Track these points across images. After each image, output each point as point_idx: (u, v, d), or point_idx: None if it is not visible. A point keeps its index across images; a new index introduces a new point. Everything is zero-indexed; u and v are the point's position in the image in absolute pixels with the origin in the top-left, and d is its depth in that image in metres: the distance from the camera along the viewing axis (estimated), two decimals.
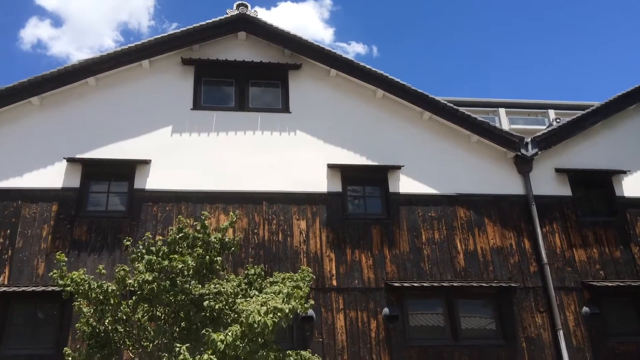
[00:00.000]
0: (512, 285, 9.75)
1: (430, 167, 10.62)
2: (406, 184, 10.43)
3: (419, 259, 9.92)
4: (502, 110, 20.83)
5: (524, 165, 10.80)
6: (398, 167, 10.47)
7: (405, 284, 9.46)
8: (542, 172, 10.95)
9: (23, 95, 9.78)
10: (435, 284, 9.55)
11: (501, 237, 10.34)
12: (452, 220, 10.32)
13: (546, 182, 10.89)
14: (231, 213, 7.80)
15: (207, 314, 6.35)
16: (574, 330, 9.74)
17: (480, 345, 9.42)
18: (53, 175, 9.54)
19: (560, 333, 9.57)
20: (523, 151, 10.71)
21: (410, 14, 49.21)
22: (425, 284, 9.51)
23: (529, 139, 10.83)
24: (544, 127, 17.06)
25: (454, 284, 9.62)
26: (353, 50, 49.53)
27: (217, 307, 6.32)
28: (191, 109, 10.54)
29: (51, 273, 6.42)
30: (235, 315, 6.36)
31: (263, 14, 11.18)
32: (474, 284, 9.68)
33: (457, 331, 9.42)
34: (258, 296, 6.82)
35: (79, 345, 7.55)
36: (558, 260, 10.27)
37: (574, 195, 10.92)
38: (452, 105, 10.92)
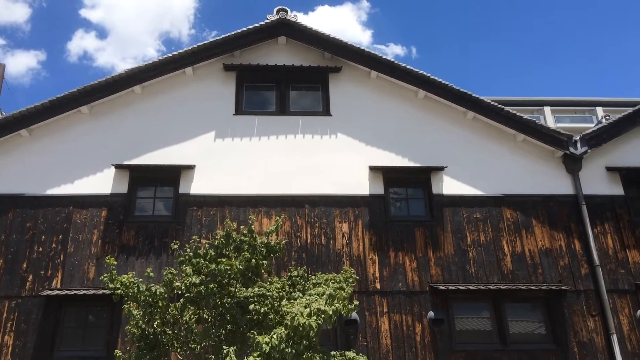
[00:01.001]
0: (563, 288, 9.45)
1: (474, 167, 10.41)
2: (450, 185, 10.26)
3: (464, 261, 9.73)
4: (547, 109, 20.35)
5: (573, 164, 10.46)
6: (441, 168, 10.31)
7: (451, 287, 9.30)
8: (592, 171, 10.58)
9: (73, 104, 10.13)
10: (481, 287, 9.35)
11: (550, 239, 10.03)
12: (498, 222, 10.08)
13: (597, 181, 10.52)
14: (277, 217, 7.84)
15: (253, 317, 6.39)
16: (629, 334, 9.35)
17: (529, 350, 9.16)
18: (102, 182, 9.83)
19: (614, 337, 9.21)
20: (572, 149, 10.38)
21: (448, 13, 48.60)
22: (471, 287, 9.32)
23: (578, 137, 10.49)
24: (592, 124, 16.52)
25: (502, 287, 9.38)
26: (392, 51, 49.25)
27: (262, 310, 6.35)
28: (233, 114, 10.67)
29: (102, 277, 6.60)
30: (280, 318, 6.38)
31: (301, 19, 11.21)
32: (523, 287, 9.42)
33: (506, 335, 9.19)
34: (302, 298, 6.83)
35: (129, 347, 7.74)
36: (610, 261, 9.89)
37: (626, 194, 10.50)
38: (495, 103, 10.68)
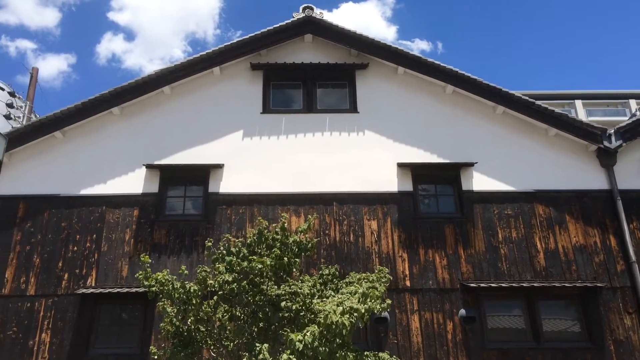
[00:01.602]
0: (598, 285, 9.24)
1: (505, 163, 10.24)
2: (480, 182, 10.12)
3: (495, 258, 9.60)
4: (578, 102, 19.85)
5: (607, 159, 10.21)
6: (471, 164, 10.18)
7: (482, 285, 9.18)
8: (628, 165, 10.30)
9: (105, 106, 10.30)
10: (514, 285, 9.20)
11: (584, 235, 9.82)
12: (531, 218, 9.91)
13: (632, 175, 10.24)
14: (308, 216, 7.84)
15: (285, 315, 6.42)
16: None
17: (564, 348, 8.98)
18: (134, 181, 9.98)
19: None
20: (606, 143, 10.14)
21: (474, 6, 47.93)
22: (503, 285, 9.18)
23: (612, 130, 10.23)
24: (625, 117, 16.09)
25: (535, 285, 9.22)
26: (417, 47, 48.84)
27: (294, 307, 6.37)
28: (261, 113, 10.71)
29: (137, 275, 6.70)
30: (312, 316, 6.39)
31: (326, 16, 11.20)
32: (556, 284, 9.24)
33: (539, 333, 9.04)
34: (334, 296, 6.83)
35: (163, 345, 7.84)
36: None
37: None
38: (526, 97, 10.49)
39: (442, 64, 10.64)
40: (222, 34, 52.48)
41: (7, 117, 14.16)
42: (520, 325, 9.25)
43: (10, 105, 14.32)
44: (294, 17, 11.04)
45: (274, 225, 7.25)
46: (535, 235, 9.80)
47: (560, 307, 9.51)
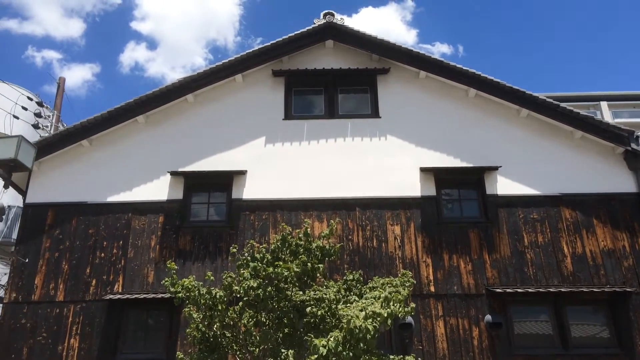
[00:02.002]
0: (627, 290, 9.06)
1: (530, 166, 10.12)
2: (505, 185, 10.02)
3: (521, 263, 9.48)
4: (604, 104, 19.59)
5: (635, 161, 10.03)
6: (495, 168, 10.08)
7: (508, 290, 9.07)
8: None
9: (130, 114, 10.48)
10: (541, 290, 9.07)
11: (612, 239, 9.65)
12: (557, 222, 9.77)
13: None
14: (330, 221, 7.85)
15: (310, 320, 6.43)
16: None
17: (593, 354, 8.82)
18: (159, 188, 10.11)
19: None
20: (633, 145, 9.95)
21: (494, 8, 47.53)
22: (530, 290, 9.06)
23: None
24: None
25: (562, 290, 9.07)
26: (438, 50, 48.65)
27: (319, 313, 6.38)
28: (283, 119, 10.77)
29: (163, 281, 6.78)
30: (337, 321, 6.39)
31: (346, 22, 11.24)
32: (584, 289, 9.08)
33: (567, 339, 8.89)
34: (358, 302, 6.82)
35: (190, 350, 7.91)
36: None
37: None
38: (551, 100, 10.36)
39: (464, 68, 10.58)
40: (243, 41, 52.99)
41: (36, 126, 14.50)
42: (547, 331, 9.11)
43: (38, 115, 14.65)
44: (315, 24, 11.10)
45: (297, 231, 7.28)
46: (562, 240, 9.65)
47: (588, 312, 9.34)
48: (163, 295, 8.89)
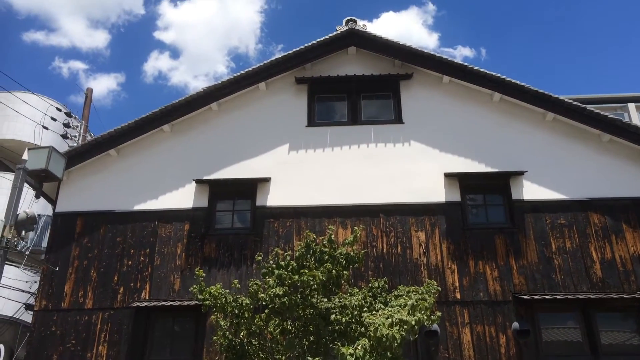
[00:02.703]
0: None
1: (557, 171, 9.97)
2: (531, 190, 9.88)
3: (549, 269, 9.33)
4: (631, 105, 19.19)
5: None
6: (521, 173, 9.95)
7: (536, 297, 8.92)
8: None
9: (156, 123, 10.63)
10: (569, 296, 8.90)
11: None
12: (585, 227, 9.60)
13: None
14: (354, 227, 7.86)
15: (335, 328, 6.42)
16: None
17: None
18: (184, 196, 10.23)
19: None
20: None
21: (516, 11, 47.04)
22: (558, 297, 8.90)
23: None
24: None
25: (591, 296, 8.89)
26: (460, 54, 48.31)
27: (344, 320, 6.37)
28: (306, 126, 10.81)
29: (191, 288, 6.85)
30: (363, 329, 6.38)
31: (367, 27, 11.25)
32: (614, 296, 8.89)
33: (597, 346, 8.71)
34: (384, 309, 6.79)
35: (216, 357, 7.96)
36: None
37: None
38: (578, 103, 10.20)
39: (488, 72, 10.49)
40: (264, 48, 53.36)
41: (64, 136, 14.83)
42: (576, 338, 8.94)
43: (67, 125, 14.99)
44: (337, 30, 11.13)
45: (321, 238, 7.28)
46: (590, 245, 9.48)
47: (618, 319, 9.15)
48: (189, 302, 8.97)
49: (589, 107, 10.26)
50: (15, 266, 14.21)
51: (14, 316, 13.68)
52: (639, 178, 9.91)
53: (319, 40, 11.01)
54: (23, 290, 13.66)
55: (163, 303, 9.26)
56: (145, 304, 9.29)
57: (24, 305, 13.21)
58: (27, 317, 12.94)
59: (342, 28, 11.14)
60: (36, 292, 10.61)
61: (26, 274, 14.22)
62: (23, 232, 7.25)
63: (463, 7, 49.79)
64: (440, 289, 7.92)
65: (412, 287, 7.35)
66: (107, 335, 9.26)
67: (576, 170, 9.99)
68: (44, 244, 13.76)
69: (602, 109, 10.66)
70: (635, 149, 10.04)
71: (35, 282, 13.45)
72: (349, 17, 11.19)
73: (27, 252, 12.52)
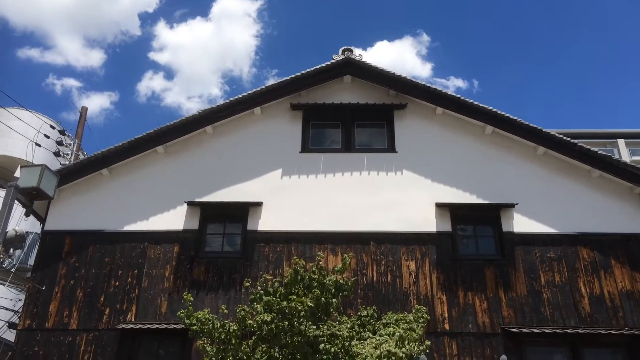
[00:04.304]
0: None
1: (547, 204, 10.06)
2: (521, 223, 9.94)
3: (538, 303, 9.33)
4: (621, 141, 19.47)
5: None
6: (512, 205, 10.02)
7: (525, 330, 8.91)
8: None
9: (150, 145, 10.64)
10: (558, 331, 8.90)
11: (631, 280, 9.49)
12: (574, 262, 9.64)
13: None
14: (344, 255, 7.84)
15: (323, 357, 6.36)
16: None
17: None
18: (175, 218, 10.18)
19: None
20: None
21: (510, 44, 47.90)
22: (547, 330, 8.89)
23: None
24: None
25: (580, 331, 8.89)
26: (453, 84, 48.98)
27: (332, 350, 6.31)
28: (300, 152, 10.86)
29: (178, 313, 6.77)
30: (350, 359, 6.32)
31: (361, 54, 11.42)
32: (602, 332, 8.90)
33: None
34: (372, 338, 6.75)
35: None
36: None
37: None
38: (568, 139, 10.35)
39: (481, 105, 10.64)
40: (258, 72, 53.85)
41: (57, 154, 14.77)
42: None
43: (60, 143, 14.94)
44: (333, 59, 11.29)
45: (310, 264, 7.26)
46: (579, 280, 9.51)
47: (606, 355, 9.12)
48: (175, 326, 8.87)
49: (580, 141, 10.42)
50: (1, 284, 13.99)
51: None
52: (628, 214, 10.01)
53: (315, 67, 11.15)
54: (7, 309, 13.41)
55: (149, 326, 9.14)
56: (131, 326, 9.17)
57: (7, 324, 12.96)
58: (10, 335, 12.69)
59: (338, 57, 11.30)
60: (20, 311, 10.44)
61: (11, 292, 13.99)
62: (11, 250, 7.19)
63: (457, 39, 50.69)
64: (429, 317, 7.89)
65: (401, 315, 7.31)
66: (91, 357, 9.11)
67: (566, 204, 10.08)
68: (31, 261, 13.57)
69: (592, 144, 10.84)
70: (624, 186, 10.16)
71: (19, 300, 13.23)
72: (345, 47, 11.38)
73: (13, 270, 12.34)
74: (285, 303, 6.33)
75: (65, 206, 10.43)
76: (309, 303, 6.31)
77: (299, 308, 6.23)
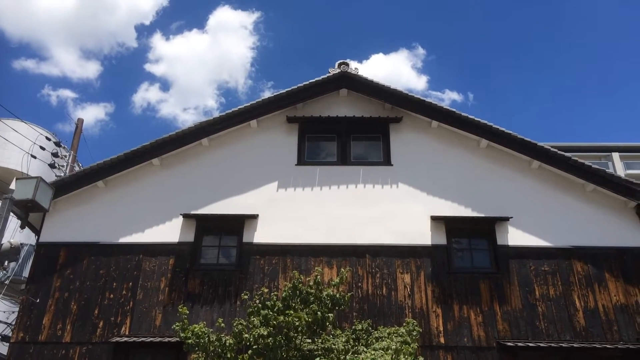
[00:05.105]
0: None
1: (541, 218, 10.10)
2: (516, 237, 9.98)
3: (533, 316, 9.34)
4: (615, 155, 19.60)
5: None
6: (506, 219, 10.07)
7: (520, 344, 8.91)
8: None
9: (146, 157, 10.64)
10: (553, 345, 8.90)
11: (625, 294, 9.53)
12: (569, 275, 9.68)
13: None
14: (341, 269, 7.86)
15: None
16: None
17: None
18: (170, 230, 10.16)
19: None
20: None
21: (506, 57, 48.28)
22: (542, 344, 8.90)
23: None
24: None
25: (574, 345, 8.90)
26: (448, 97, 49.26)
27: None
28: (295, 165, 10.89)
29: (174, 326, 6.75)
30: None
31: (356, 67, 11.50)
32: (597, 345, 8.91)
33: None
34: (366, 352, 6.74)
35: None
36: None
37: None
38: (562, 153, 10.43)
39: (476, 119, 10.72)
40: (254, 84, 54.06)
41: (52, 165, 14.74)
42: None
43: (55, 155, 14.93)
44: (329, 73, 11.36)
45: (307, 278, 7.26)
46: (573, 293, 9.54)
47: None
48: (170, 339, 8.82)
49: (575, 155, 10.51)
50: None
51: None
52: (622, 228, 10.07)
53: (311, 81, 11.22)
54: (0, 321, 13.33)
55: (143, 339, 9.08)
56: (125, 339, 9.11)
57: (0, 337, 12.87)
58: (3, 348, 12.59)
59: (334, 70, 11.38)
60: (14, 323, 10.37)
61: (4, 304, 13.90)
62: (5, 262, 7.16)
63: (452, 52, 51.08)
64: (421, 330, 7.88)
65: (393, 329, 7.31)
66: None
67: (560, 218, 10.13)
68: (25, 273, 13.51)
69: (587, 158, 10.94)
70: (618, 199, 10.23)
71: (13, 312, 13.14)
72: (341, 60, 11.46)
73: (7, 282, 12.26)
74: (282, 317, 6.32)
75: (61, 218, 10.40)
76: (306, 318, 6.31)
77: (297, 323, 6.22)
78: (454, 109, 10.96)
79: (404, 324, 7.57)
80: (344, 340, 6.82)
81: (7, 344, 10.20)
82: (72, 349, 9.23)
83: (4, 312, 13.71)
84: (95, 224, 10.28)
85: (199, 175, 10.78)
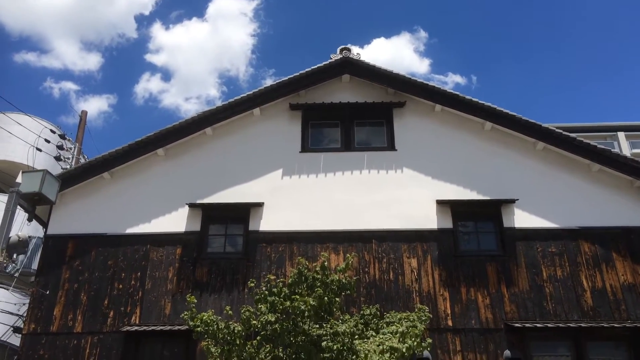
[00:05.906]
0: None
1: (547, 199, 10.07)
2: (522, 219, 9.96)
3: (540, 297, 9.36)
4: (621, 134, 19.48)
5: None
6: (512, 201, 10.05)
7: (527, 325, 8.94)
8: None
9: (150, 147, 10.66)
10: (561, 325, 8.93)
11: (633, 273, 9.51)
12: (576, 256, 9.67)
13: None
14: (347, 254, 7.86)
15: (327, 355, 6.40)
16: None
17: None
18: (177, 220, 10.21)
19: None
20: None
21: (508, 39, 47.89)
22: (549, 325, 8.93)
23: None
24: None
25: (582, 325, 8.92)
26: (451, 81, 48.96)
27: (335, 348, 6.35)
28: (299, 152, 10.89)
29: (182, 315, 6.81)
30: (354, 357, 6.36)
31: (358, 51, 11.42)
32: (605, 325, 8.92)
33: None
34: (375, 336, 6.79)
35: None
36: None
37: None
38: (567, 133, 10.36)
39: (480, 101, 10.65)
40: (255, 72, 53.87)
41: (58, 158, 14.81)
42: None
43: (60, 147, 14.98)
44: (331, 59, 11.30)
45: (314, 264, 7.29)
46: (581, 274, 9.54)
47: (609, 348, 9.14)
48: (180, 327, 8.91)
49: (580, 135, 10.44)
50: (4, 288, 14.04)
51: (1, 339, 13.48)
52: (628, 208, 10.03)
53: (313, 67, 11.17)
54: (11, 313, 13.48)
55: (153, 328, 9.18)
56: (135, 328, 9.21)
57: (12, 328, 13.02)
58: (15, 340, 12.75)
59: (336, 56, 11.31)
60: (25, 315, 10.49)
61: (15, 296, 14.05)
62: (14, 255, 7.24)
63: (454, 35, 50.67)
64: (431, 315, 7.92)
65: (404, 314, 7.34)
66: None
67: (567, 199, 10.10)
68: (34, 266, 13.63)
69: (592, 138, 10.85)
70: (624, 179, 10.18)
71: (24, 304, 13.29)
72: (343, 46, 11.39)
73: (17, 275, 12.40)
74: (288, 303, 6.36)
75: (67, 210, 10.46)
76: (312, 302, 6.35)
77: (303, 308, 6.27)
78: (457, 92, 10.90)
79: (416, 310, 7.59)
80: (352, 324, 6.85)
81: (19, 335, 10.32)
82: (84, 338, 9.34)
83: (15, 304, 13.86)
84: (102, 216, 10.33)
85: (203, 164, 10.80)
